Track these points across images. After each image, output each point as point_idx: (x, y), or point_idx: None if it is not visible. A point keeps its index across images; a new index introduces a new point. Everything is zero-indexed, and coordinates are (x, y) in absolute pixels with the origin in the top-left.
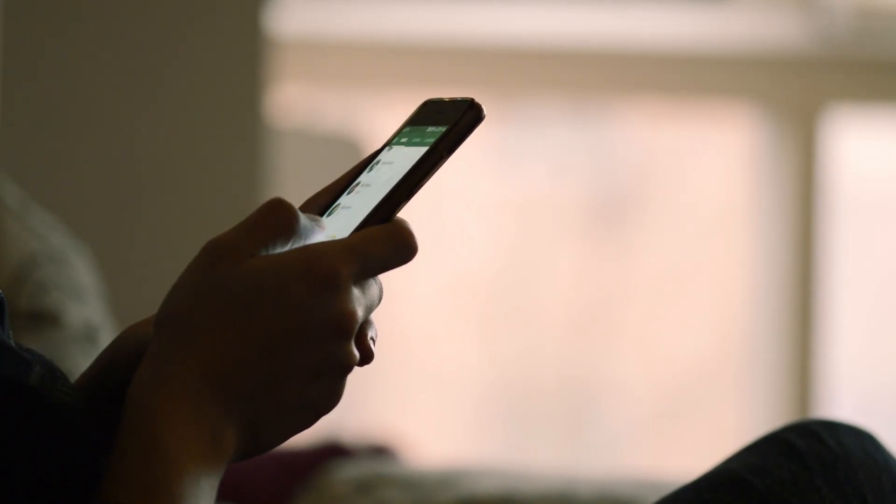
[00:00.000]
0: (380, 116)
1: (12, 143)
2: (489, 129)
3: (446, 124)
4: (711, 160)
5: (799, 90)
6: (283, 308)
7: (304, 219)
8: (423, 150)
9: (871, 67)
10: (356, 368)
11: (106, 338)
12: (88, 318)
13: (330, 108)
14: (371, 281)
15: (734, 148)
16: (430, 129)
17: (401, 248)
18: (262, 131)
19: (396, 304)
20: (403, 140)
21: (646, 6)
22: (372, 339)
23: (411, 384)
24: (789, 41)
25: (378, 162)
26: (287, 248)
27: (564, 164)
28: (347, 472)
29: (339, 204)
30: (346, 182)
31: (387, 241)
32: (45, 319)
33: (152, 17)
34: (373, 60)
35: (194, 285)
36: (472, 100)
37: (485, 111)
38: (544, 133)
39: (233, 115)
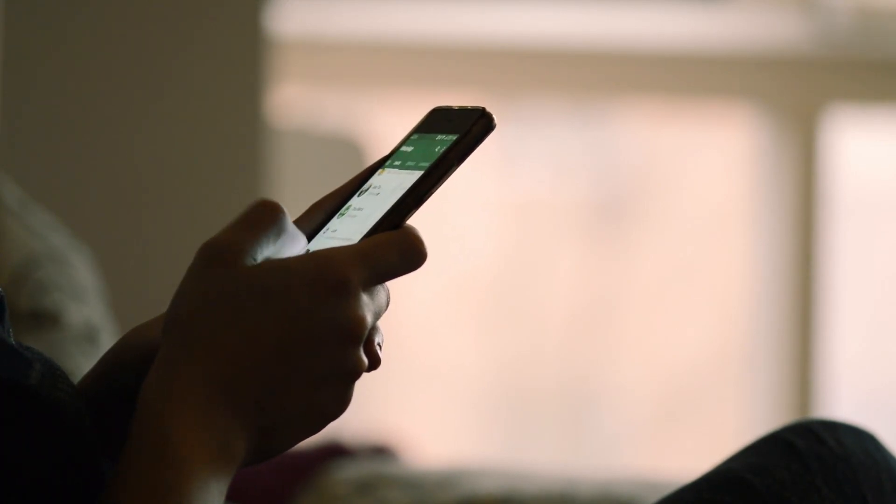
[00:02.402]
0: (380, 116)
1: (12, 143)
2: None
3: (457, 133)
4: (711, 160)
5: (799, 90)
6: (293, 313)
7: (289, 217)
8: (433, 158)
9: (871, 67)
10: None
11: (106, 338)
12: (88, 318)
13: (330, 108)
14: (379, 287)
15: (734, 148)
16: (440, 136)
17: (410, 254)
18: (262, 131)
19: (397, 303)
20: (412, 148)
21: (646, 6)
22: (379, 344)
23: (411, 384)
24: (789, 41)
25: (386, 168)
26: (278, 243)
27: (565, 164)
28: (347, 472)
29: (347, 209)
30: (353, 187)
31: (396, 248)
32: (46, 319)
33: (153, 18)
34: (373, 60)
35: (200, 289)
36: (484, 109)
37: (496, 120)
38: (544, 133)
39: (233, 115)
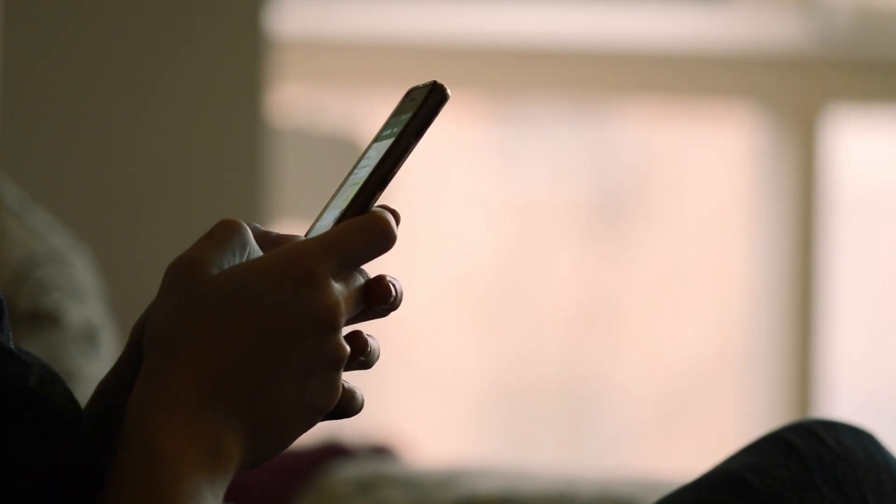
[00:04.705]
0: (380, 116)
1: (12, 143)
2: (489, 129)
3: (413, 110)
4: (711, 160)
5: (799, 90)
6: (265, 311)
7: (251, 234)
8: (393, 138)
9: (871, 67)
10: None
11: (106, 338)
12: (88, 318)
13: (330, 108)
14: (356, 273)
15: (734, 148)
16: (403, 116)
17: (377, 237)
18: (262, 131)
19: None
20: (387, 132)
21: (646, 6)
22: (364, 334)
23: (411, 384)
24: (789, 41)
25: (366, 156)
26: (244, 256)
27: (565, 163)
28: (347, 472)
29: (331, 204)
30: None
31: (361, 232)
32: (45, 319)
33: (152, 18)
34: (373, 60)
35: (172, 302)
36: (435, 82)
37: (448, 91)
38: (544, 133)
39: (233, 115)
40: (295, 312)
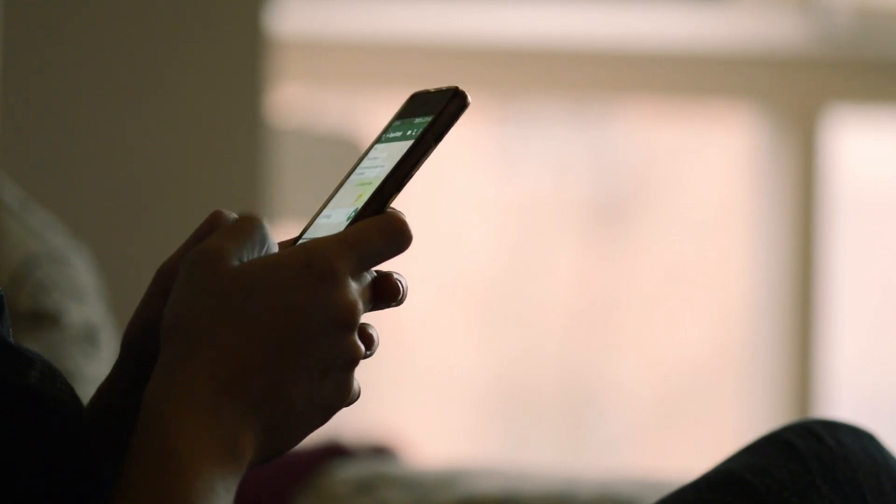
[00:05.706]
0: (380, 116)
1: (12, 143)
2: (489, 129)
3: (432, 114)
4: (711, 160)
5: (799, 90)
6: (285, 308)
7: (270, 230)
8: (411, 141)
9: (871, 67)
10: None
11: (106, 338)
12: (88, 318)
13: (330, 108)
14: (366, 273)
15: (734, 148)
16: (418, 120)
17: (394, 237)
18: (262, 131)
19: None
20: (394, 134)
21: (646, 6)
22: (371, 333)
23: (411, 384)
24: (789, 41)
25: (369, 156)
26: (262, 251)
27: (565, 164)
28: (347, 472)
29: (333, 201)
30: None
31: (381, 233)
32: (45, 319)
33: (152, 18)
34: (373, 60)
35: (191, 293)
36: (457, 88)
37: (469, 98)
38: (544, 133)
39: (233, 115)
40: (314, 311)
